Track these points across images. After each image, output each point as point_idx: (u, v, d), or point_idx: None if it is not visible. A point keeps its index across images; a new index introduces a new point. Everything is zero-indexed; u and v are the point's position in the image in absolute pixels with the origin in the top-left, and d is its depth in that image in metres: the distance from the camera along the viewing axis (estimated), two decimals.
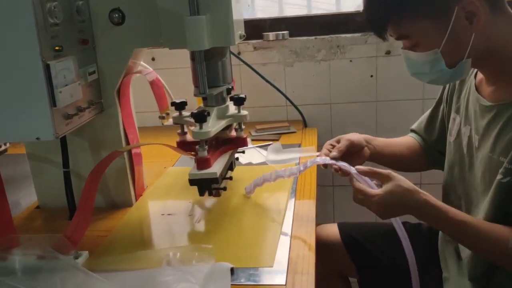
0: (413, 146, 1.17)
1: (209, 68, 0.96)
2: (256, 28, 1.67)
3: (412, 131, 1.22)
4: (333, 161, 0.96)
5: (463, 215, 0.86)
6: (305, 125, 1.64)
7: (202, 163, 0.94)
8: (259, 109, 1.70)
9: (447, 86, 1.09)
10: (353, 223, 1.24)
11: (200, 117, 0.92)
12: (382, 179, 0.87)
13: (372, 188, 0.87)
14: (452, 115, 1.05)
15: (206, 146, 0.94)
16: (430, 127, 1.15)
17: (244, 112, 1.03)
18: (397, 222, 0.89)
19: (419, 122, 1.20)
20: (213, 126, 0.95)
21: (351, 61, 1.61)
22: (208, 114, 0.93)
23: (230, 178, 1.02)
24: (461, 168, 1.00)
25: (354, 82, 1.63)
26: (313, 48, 1.61)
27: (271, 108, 1.69)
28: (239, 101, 1.02)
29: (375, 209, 0.86)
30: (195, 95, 0.95)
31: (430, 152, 1.16)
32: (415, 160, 1.17)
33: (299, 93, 1.66)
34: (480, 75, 0.96)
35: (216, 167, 0.95)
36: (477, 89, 0.95)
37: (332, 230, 1.21)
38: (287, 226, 0.93)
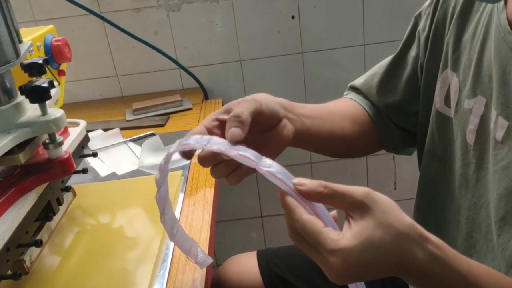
0: (358, 116, 0.70)
1: None
2: None
3: (353, 89, 0.75)
4: (235, 150, 0.44)
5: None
6: (205, 96, 1.17)
7: None
8: (142, 76, 1.19)
9: (424, 17, 0.64)
10: (280, 250, 0.82)
11: None
12: (349, 207, 0.40)
13: (326, 223, 0.40)
14: (445, 73, 0.60)
15: None
16: (388, 85, 0.69)
17: (54, 113, 0.54)
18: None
19: (368, 76, 0.72)
20: None
21: None
22: None
23: (37, 243, 0.54)
24: (465, 172, 0.57)
25: (270, 27, 1.15)
26: None
27: (158, 74, 1.19)
28: (36, 95, 0.52)
29: (334, 276, 0.40)
30: None
31: (384, 126, 0.71)
32: (363, 140, 0.70)
33: (194, 49, 1.17)
34: None
35: None
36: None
37: (247, 264, 0.80)
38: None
